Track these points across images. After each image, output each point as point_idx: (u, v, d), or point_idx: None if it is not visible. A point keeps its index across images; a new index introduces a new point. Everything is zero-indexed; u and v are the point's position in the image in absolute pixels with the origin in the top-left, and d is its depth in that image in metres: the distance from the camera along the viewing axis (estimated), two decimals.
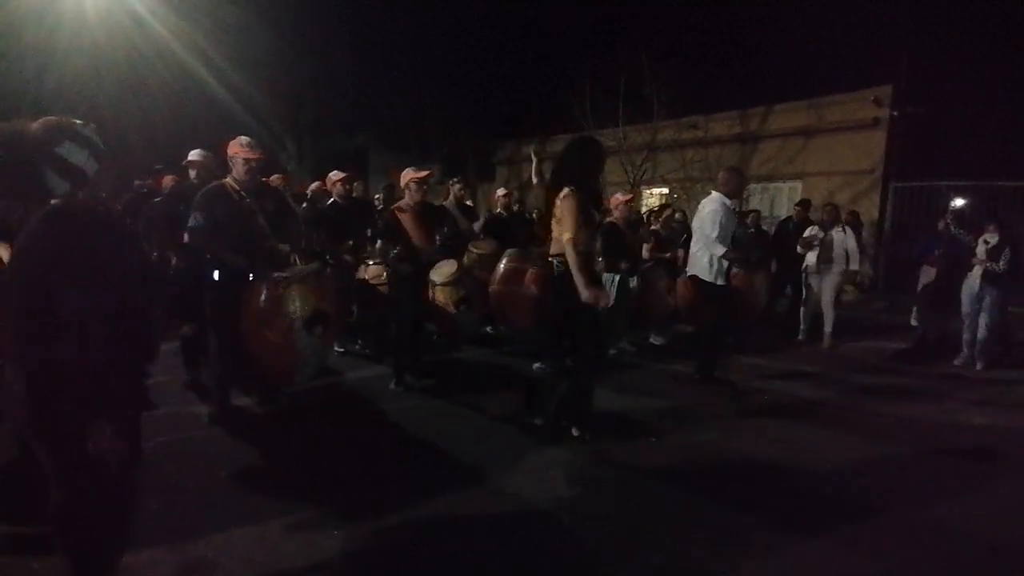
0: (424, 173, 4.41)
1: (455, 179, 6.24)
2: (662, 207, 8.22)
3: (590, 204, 3.24)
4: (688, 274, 4.71)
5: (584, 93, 14.27)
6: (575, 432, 3.40)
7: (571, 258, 3.11)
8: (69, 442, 1.48)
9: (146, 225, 4.97)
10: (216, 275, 3.32)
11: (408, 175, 4.35)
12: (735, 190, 4.51)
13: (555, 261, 3.25)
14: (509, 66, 17.35)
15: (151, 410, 1.81)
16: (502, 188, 7.06)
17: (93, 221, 1.50)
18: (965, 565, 2.32)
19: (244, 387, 3.82)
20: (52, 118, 1.59)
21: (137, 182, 6.84)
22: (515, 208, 6.60)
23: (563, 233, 3.14)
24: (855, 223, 7.54)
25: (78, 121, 1.63)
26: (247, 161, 3.42)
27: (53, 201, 1.49)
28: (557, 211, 3.21)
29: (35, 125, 1.56)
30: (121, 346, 1.47)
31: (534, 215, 9.11)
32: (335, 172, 5.50)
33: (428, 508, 2.62)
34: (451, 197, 6.11)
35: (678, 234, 6.73)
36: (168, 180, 5.71)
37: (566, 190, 3.16)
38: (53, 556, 1.84)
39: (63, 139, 1.57)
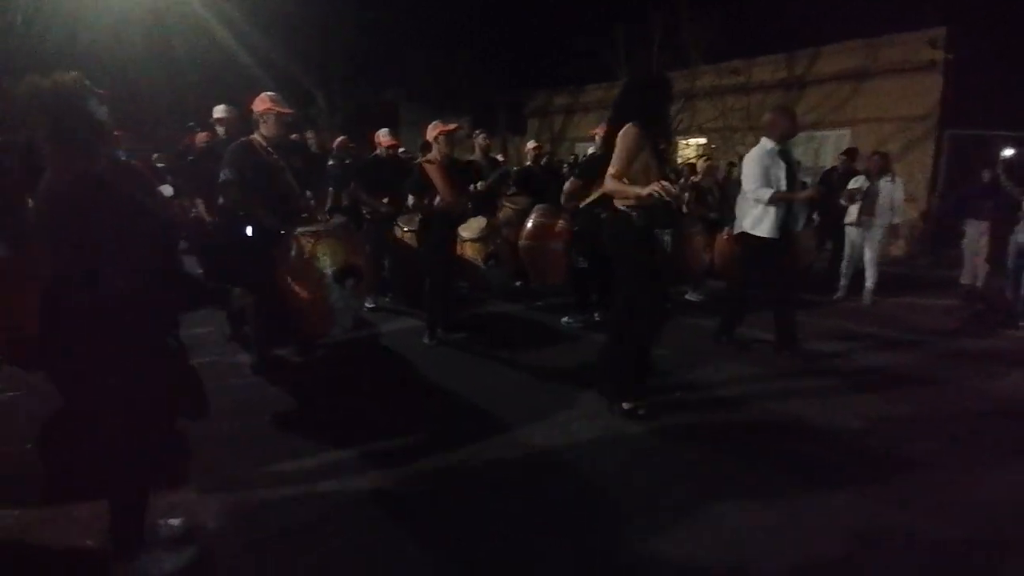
0: (452, 126, 4.36)
1: (479, 131, 6.16)
2: (702, 158, 7.91)
3: (657, 146, 2.92)
4: (736, 231, 4.33)
5: (618, 40, 13.67)
6: (626, 406, 3.11)
7: (611, 190, 2.83)
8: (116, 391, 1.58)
9: (183, 183, 5.14)
10: (249, 231, 3.40)
11: (437, 128, 4.31)
12: (783, 132, 4.04)
13: (624, 209, 2.94)
14: (540, 14, 16.70)
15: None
16: (532, 141, 6.94)
17: (122, 185, 1.56)
18: (990, 524, 2.29)
19: (282, 339, 3.97)
20: (75, 74, 1.63)
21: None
22: (543, 162, 6.48)
23: (611, 167, 2.81)
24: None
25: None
26: (280, 115, 3.44)
27: (72, 165, 1.54)
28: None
29: (66, 79, 1.60)
30: (154, 302, 1.54)
31: (564, 168, 8.98)
32: (384, 133, 5.47)
33: (457, 456, 2.71)
34: (476, 150, 6.05)
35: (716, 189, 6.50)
36: (202, 137, 5.82)
37: (628, 125, 2.86)
38: (90, 503, 1.99)
39: (89, 94, 1.61)
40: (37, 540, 2.02)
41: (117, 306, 1.47)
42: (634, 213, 2.93)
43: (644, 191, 2.73)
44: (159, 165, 8.35)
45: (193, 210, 4.61)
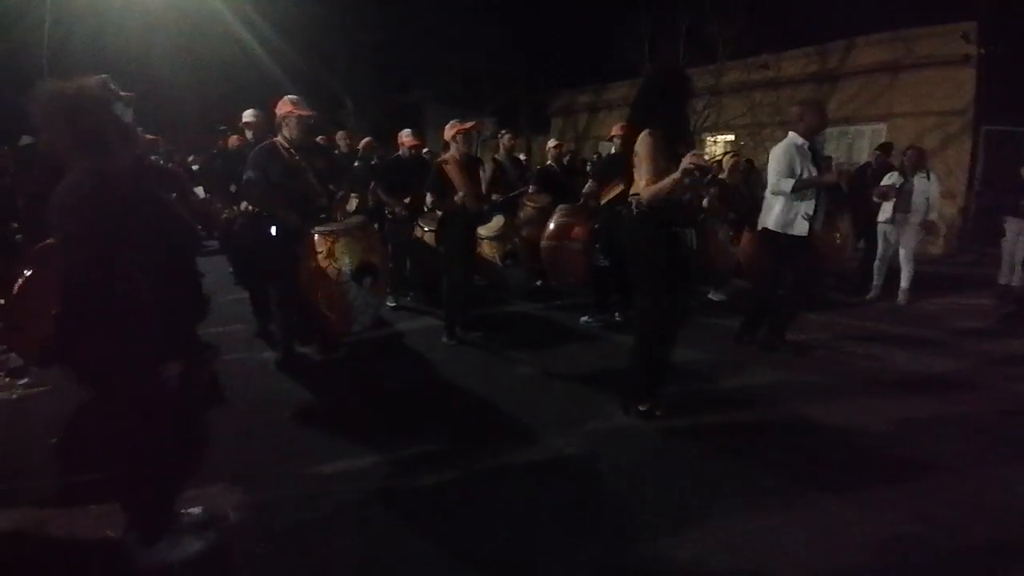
0: (470, 125, 4.39)
1: (504, 131, 6.17)
2: (727, 155, 7.74)
3: (676, 146, 2.85)
4: (759, 227, 4.24)
5: (642, 35, 13.50)
6: (642, 408, 3.09)
7: (652, 195, 2.76)
8: (137, 386, 1.64)
9: (213, 184, 5.31)
10: (273, 231, 3.49)
11: (454, 127, 4.34)
12: (812, 126, 3.96)
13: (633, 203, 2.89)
14: (563, 12, 16.65)
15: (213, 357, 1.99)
16: (553, 139, 6.93)
17: (146, 185, 1.61)
18: (1010, 528, 2.20)
19: (305, 337, 4.05)
20: (101, 76, 1.68)
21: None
22: (565, 161, 6.46)
23: (640, 179, 2.79)
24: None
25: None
26: (301, 118, 3.52)
27: (85, 164, 1.60)
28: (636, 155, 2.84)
29: (91, 83, 1.65)
30: (171, 298, 1.59)
31: (588, 167, 8.92)
32: (406, 133, 5.50)
33: (467, 455, 2.72)
34: (501, 150, 6.07)
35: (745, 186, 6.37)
36: (234, 140, 5.99)
37: (642, 134, 2.82)
38: (110, 502, 2.04)
39: (114, 98, 1.67)
40: (55, 533, 2.08)
41: (127, 302, 1.53)
42: (634, 203, 2.87)
43: (678, 172, 2.68)
44: (194, 167, 8.63)
45: (225, 212, 4.74)
